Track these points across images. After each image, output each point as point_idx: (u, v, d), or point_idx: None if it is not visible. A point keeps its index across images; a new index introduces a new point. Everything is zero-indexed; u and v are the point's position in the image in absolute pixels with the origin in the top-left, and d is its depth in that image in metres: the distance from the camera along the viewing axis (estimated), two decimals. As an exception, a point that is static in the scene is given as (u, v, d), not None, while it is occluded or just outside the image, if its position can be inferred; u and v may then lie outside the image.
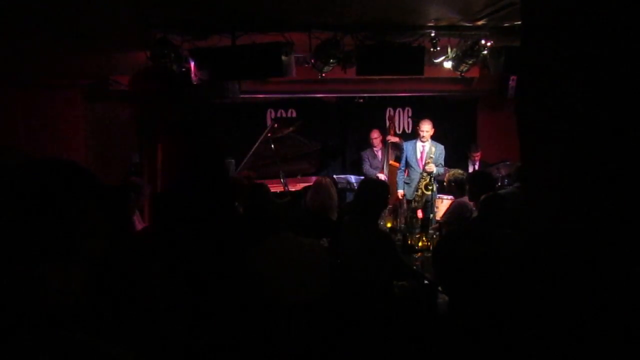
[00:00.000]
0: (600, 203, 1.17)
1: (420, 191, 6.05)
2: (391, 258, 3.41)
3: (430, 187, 5.98)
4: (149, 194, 4.77)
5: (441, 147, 6.22)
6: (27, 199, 0.92)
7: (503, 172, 6.81)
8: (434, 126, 6.24)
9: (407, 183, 6.37)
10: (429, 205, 5.98)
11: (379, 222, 4.00)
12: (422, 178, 6.05)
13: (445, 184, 5.26)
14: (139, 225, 4.70)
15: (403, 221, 4.94)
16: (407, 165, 6.36)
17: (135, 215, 4.61)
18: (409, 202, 6.03)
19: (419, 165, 6.20)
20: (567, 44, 1.25)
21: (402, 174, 6.45)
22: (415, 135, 6.55)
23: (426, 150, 6.17)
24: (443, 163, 6.19)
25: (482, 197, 3.93)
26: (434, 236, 4.39)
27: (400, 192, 6.40)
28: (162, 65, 4.25)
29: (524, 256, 1.52)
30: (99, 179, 1.02)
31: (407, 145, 6.37)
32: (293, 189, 6.29)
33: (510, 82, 6.89)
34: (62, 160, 0.99)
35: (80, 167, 1.00)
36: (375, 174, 6.92)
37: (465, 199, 4.73)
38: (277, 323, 2.86)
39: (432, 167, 5.98)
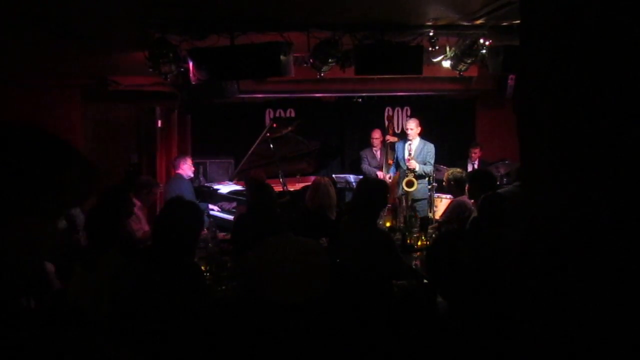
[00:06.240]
0: (600, 202, 1.17)
1: (402, 189, 6.08)
2: (390, 257, 3.40)
3: (412, 185, 5.98)
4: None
5: (431, 146, 6.22)
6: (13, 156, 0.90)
7: (502, 171, 6.80)
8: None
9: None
10: (422, 205, 5.95)
11: (378, 221, 4.00)
12: (406, 175, 6.07)
13: (444, 183, 5.26)
14: (139, 225, 4.69)
15: (402, 220, 4.94)
16: (398, 164, 6.41)
17: (135, 215, 4.61)
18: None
19: (405, 164, 6.23)
20: (567, 43, 1.25)
21: (393, 169, 6.59)
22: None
23: (413, 148, 6.18)
24: (432, 162, 6.19)
25: (482, 196, 3.92)
26: (433, 235, 4.39)
27: (379, 173, 6.63)
28: None
29: (523, 255, 1.52)
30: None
31: (398, 145, 6.41)
32: (292, 189, 6.29)
33: (509, 81, 6.91)
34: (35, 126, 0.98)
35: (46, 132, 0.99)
36: (375, 174, 6.92)
37: (465, 198, 4.73)
38: (276, 323, 2.85)
39: (413, 164, 5.98)
